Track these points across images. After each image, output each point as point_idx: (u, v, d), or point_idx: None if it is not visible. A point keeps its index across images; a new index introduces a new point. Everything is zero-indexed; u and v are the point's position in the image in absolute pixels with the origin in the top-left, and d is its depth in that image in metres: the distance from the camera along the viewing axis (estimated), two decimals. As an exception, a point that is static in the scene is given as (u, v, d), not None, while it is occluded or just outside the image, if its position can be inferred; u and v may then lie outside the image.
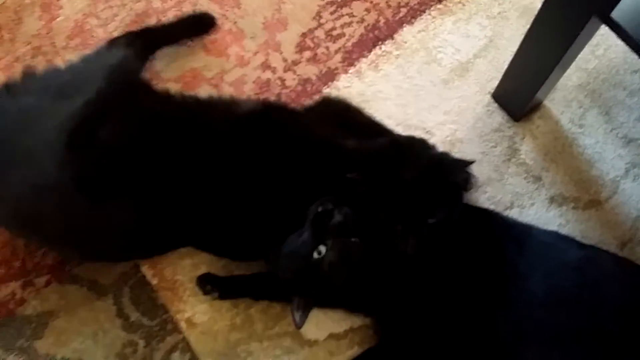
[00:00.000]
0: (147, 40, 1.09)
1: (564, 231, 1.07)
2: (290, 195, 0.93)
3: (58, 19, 1.15)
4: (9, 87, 0.98)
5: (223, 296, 1.05)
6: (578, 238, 1.04)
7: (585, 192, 1.10)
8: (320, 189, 0.92)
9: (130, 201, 0.91)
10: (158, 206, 0.93)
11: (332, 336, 1.03)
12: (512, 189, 1.10)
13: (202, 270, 1.07)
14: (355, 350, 1.03)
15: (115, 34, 1.17)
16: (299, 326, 0.90)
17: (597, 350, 0.86)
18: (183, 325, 1.05)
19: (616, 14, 0.86)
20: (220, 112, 0.98)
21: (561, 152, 1.12)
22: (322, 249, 0.88)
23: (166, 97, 1.01)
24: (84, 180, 0.90)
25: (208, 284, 1.05)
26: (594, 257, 0.97)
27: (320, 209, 0.89)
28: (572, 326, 0.88)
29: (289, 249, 0.90)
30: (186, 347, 1.04)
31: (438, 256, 0.95)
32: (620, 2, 0.85)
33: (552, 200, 1.09)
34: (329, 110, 1.06)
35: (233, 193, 0.95)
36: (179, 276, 1.07)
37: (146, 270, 1.07)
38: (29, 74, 0.99)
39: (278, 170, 0.94)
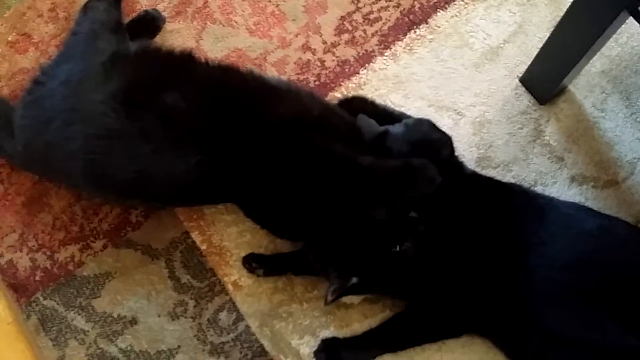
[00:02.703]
0: None
1: (583, 208, 1.14)
2: (317, 197, 0.99)
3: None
4: (43, 70, 1.09)
5: (267, 273, 1.13)
6: (596, 214, 1.12)
7: (604, 172, 1.17)
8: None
9: (192, 155, 0.99)
10: (217, 164, 1.00)
11: (366, 300, 1.12)
12: (536, 168, 1.17)
13: (247, 237, 1.16)
14: (387, 314, 1.11)
15: (164, 15, 1.23)
16: (327, 303, 0.97)
17: (614, 310, 0.95)
18: (229, 287, 1.14)
19: (643, 7, 0.93)
20: (266, 102, 1.03)
21: (583, 134, 1.19)
22: (403, 244, 0.97)
23: (220, 70, 1.08)
24: (148, 132, 0.99)
25: (253, 262, 1.13)
26: (610, 225, 1.05)
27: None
28: (590, 288, 0.96)
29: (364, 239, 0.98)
30: (232, 307, 1.13)
31: (466, 226, 1.03)
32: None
33: (573, 179, 1.17)
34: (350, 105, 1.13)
35: (272, 175, 1.01)
36: (225, 242, 1.15)
37: (196, 236, 1.16)
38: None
39: (304, 173, 1.00)
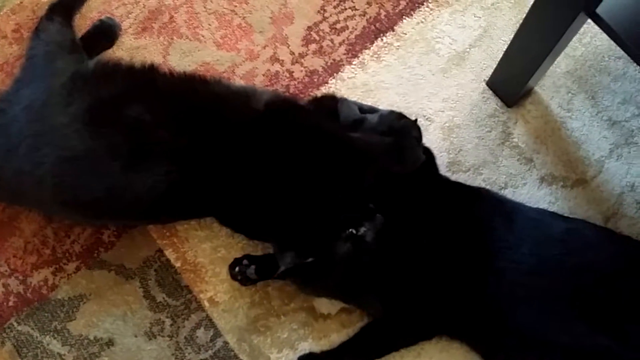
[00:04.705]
0: (62, 9, 1.16)
1: (553, 208, 1.15)
2: (302, 182, 1.01)
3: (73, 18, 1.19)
4: (2, 97, 1.07)
5: (258, 271, 1.11)
6: (566, 214, 1.13)
7: (573, 171, 1.18)
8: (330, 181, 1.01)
9: (161, 166, 0.98)
10: (186, 173, 1.00)
11: (343, 310, 1.12)
12: (506, 170, 1.18)
13: (222, 253, 1.15)
14: (365, 323, 1.11)
15: (130, 31, 1.22)
16: (276, 275, 1.01)
17: (582, 311, 0.96)
18: (206, 304, 1.13)
19: (601, 9, 0.94)
20: (235, 103, 1.04)
21: (551, 135, 1.20)
22: (360, 229, 0.98)
23: (184, 80, 1.07)
24: (115, 148, 0.98)
25: (244, 260, 1.11)
26: (577, 228, 1.06)
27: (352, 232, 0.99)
28: (559, 290, 0.98)
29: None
30: (210, 323, 1.12)
31: (435, 229, 1.04)
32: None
33: (542, 180, 1.18)
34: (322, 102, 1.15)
35: (250, 175, 1.01)
36: (200, 259, 1.15)
37: (170, 254, 1.15)
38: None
39: (290, 159, 1.01)
